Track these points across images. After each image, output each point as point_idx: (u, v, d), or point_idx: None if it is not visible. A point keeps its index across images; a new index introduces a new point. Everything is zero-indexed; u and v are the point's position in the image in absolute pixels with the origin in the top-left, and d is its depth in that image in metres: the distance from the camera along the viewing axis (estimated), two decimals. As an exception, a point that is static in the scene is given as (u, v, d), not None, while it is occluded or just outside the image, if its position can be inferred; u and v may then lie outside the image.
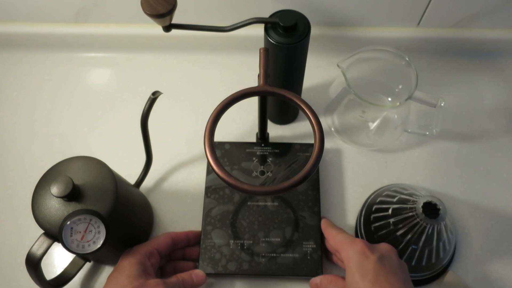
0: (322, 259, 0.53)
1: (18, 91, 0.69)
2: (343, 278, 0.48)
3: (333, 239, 0.50)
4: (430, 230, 0.48)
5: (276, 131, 0.65)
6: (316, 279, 0.50)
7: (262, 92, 0.45)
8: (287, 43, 0.48)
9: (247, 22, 0.47)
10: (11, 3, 0.66)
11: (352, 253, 0.45)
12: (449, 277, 0.53)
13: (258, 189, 0.41)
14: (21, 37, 0.70)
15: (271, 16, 0.49)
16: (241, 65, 0.71)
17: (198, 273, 0.51)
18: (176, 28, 0.47)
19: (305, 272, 0.52)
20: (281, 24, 0.47)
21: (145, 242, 0.52)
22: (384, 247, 0.46)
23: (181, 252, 0.55)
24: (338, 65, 0.54)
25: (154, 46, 0.71)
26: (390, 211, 0.52)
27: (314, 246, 0.53)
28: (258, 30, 0.67)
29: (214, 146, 0.41)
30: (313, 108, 0.44)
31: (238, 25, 0.48)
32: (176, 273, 0.50)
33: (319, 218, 0.55)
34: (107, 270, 0.55)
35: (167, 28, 0.46)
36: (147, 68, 0.71)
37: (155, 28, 0.68)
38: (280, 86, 0.46)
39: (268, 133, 0.60)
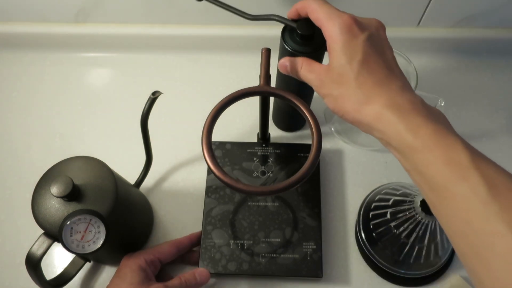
0: (322, 260, 0.53)
1: (18, 91, 0.69)
2: (317, 62, 0.42)
3: (315, 13, 0.40)
4: (429, 227, 0.48)
5: (277, 132, 0.65)
6: (285, 62, 0.43)
7: (262, 92, 0.45)
8: (302, 51, 0.46)
9: (269, 16, 0.45)
10: (11, 3, 0.66)
11: (337, 31, 0.37)
12: (456, 281, 0.53)
13: (254, 189, 0.40)
14: (21, 37, 0.70)
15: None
16: (242, 65, 0.70)
17: (201, 272, 0.51)
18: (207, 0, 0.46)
19: (305, 273, 0.52)
20: (299, 32, 0.46)
21: (148, 249, 0.51)
22: (373, 23, 0.39)
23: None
24: (338, 65, 0.54)
25: (154, 46, 0.71)
26: (388, 209, 0.52)
27: (315, 247, 0.53)
28: (259, 30, 0.67)
29: (211, 145, 0.41)
30: (313, 109, 0.43)
31: (260, 17, 0.46)
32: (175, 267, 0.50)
33: (319, 218, 0.55)
34: (107, 270, 0.55)
35: None
36: (147, 68, 0.71)
37: (155, 28, 0.68)
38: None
39: (269, 134, 0.60)
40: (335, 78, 0.38)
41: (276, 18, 0.46)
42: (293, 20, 0.46)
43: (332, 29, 0.38)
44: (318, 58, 0.49)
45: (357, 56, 0.37)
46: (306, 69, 0.41)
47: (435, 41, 0.69)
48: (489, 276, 0.29)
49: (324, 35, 0.39)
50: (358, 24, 0.38)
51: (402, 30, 0.68)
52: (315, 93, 0.62)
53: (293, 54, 0.46)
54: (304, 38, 0.45)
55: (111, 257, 0.53)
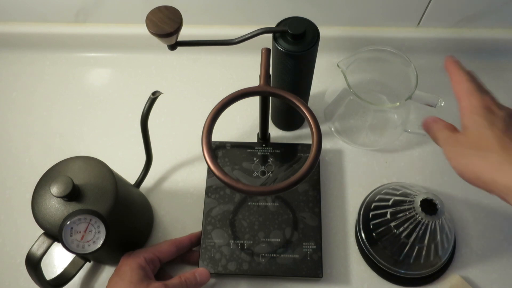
0: (322, 260, 0.53)
1: (17, 91, 0.69)
2: (457, 131, 0.43)
3: (459, 85, 0.43)
4: (429, 227, 0.48)
5: (277, 132, 0.65)
6: (430, 121, 0.46)
7: (262, 92, 0.45)
8: (296, 50, 0.46)
9: (255, 32, 0.45)
10: (11, 3, 0.66)
11: (476, 104, 0.40)
12: (456, 281, 0.53)
13: (253, 189, 0.40)
14: (21, 37, 0.70)
15: (279, 23, 0.49)
16: (242, 65, 0.70)
17: (201, 272, 0.51)
18: (182, 45, 0.45)
19: (305, 273, 0.52)
20: (290, 32, 0.46)
21: (148, 247, 0.51)
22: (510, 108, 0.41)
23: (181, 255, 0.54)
24: (338, 65, 0.54)
25: (154, 46, 0.70)
26: (388, 209, 0.52)
27: (314, 247, 0.53)
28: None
29: (211, 145, 0.41)
30: (313, 109, 0.43)
31: (247, 36, 0.46)
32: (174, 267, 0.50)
33: (319, 218, 0.55)
34: (107, 270, 0.55)
35: (173, 46, 0.45)
36: (147, 68, 0.71)
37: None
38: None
39: (269, 134, 0.60)
40: (473, 142, 0.39)
41: (263, 30, 0.45)
42: (282, 21, 0.46)
43: (471, 103, 0.40)
44: (311, 57, 0.49)
45: (498, 124, 0.38)
46: (444, 138, 0.43)
47: (435, 41, 0.68)
48: None
49: (461, 105, 0.41)
50: (497, 103, 0.40)
51: (402, 30, 0.68)
52: (312, 91, 0.62)
53: (286, 54, 0.46)
54: (296, 37, 0.45)
55: (111, 257, 0.53)
